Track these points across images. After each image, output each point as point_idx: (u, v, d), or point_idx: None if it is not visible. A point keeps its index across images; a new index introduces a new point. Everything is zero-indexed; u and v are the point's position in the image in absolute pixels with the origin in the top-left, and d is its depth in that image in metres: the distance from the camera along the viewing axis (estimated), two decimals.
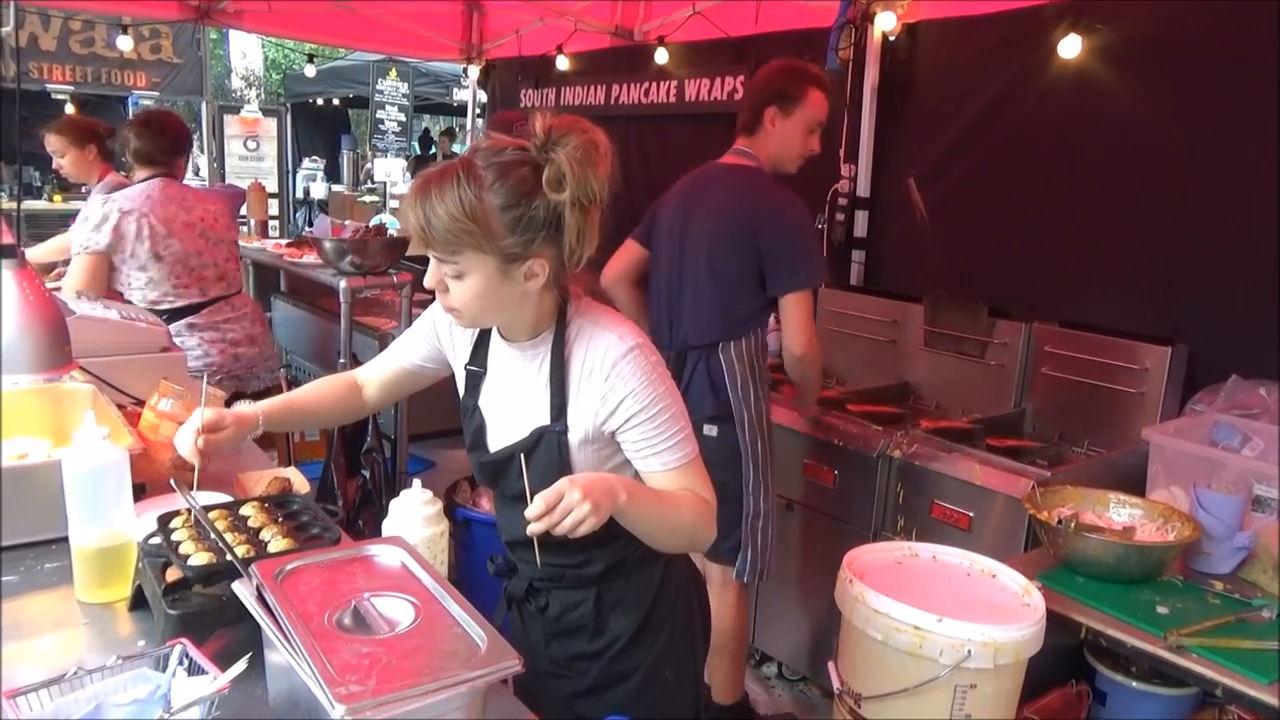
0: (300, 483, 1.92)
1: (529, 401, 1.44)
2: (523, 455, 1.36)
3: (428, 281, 1.37)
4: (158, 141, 3.10)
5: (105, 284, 3.01)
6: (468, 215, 1.26)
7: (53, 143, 3.93)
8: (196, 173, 10.63)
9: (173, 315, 3.02)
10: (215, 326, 3.12)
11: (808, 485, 2.96)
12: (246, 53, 16.24)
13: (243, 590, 1.09)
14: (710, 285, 2.55)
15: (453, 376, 1.63)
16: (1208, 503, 2.00)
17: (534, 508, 1.21)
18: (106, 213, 2.93)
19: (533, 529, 1.21)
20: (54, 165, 4.07)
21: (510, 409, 1.48)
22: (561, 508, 1.20)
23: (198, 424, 1.49)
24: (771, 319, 2.63)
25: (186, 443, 1.49)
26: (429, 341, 1.63)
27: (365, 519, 3.35)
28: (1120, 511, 2.11)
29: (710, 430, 2.53)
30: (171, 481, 1.43)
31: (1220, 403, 2.46)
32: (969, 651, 1.58)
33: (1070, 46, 2.92)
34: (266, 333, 3.38)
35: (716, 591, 2.67)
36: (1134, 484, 2.26)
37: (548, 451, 1.41)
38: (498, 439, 1.50)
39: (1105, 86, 2.94)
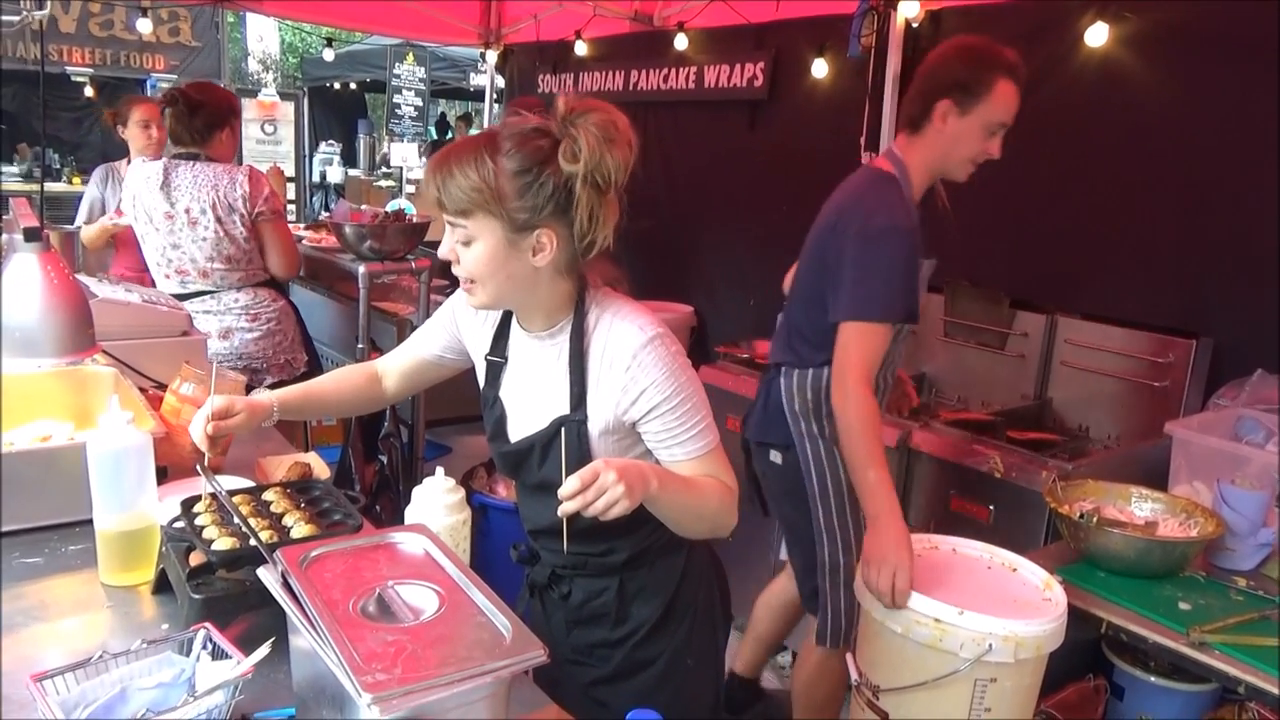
0: (320, 468, 1.94)
1: (549, 391, 1.44)
2: (562, 433, 1.37)
3: (442, 251, 1.39)
4: (187, 122, 3.00)
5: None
6: (480, 177, 1.29)
7: (153, 112, 3.88)
8: None
9: None
10: (191, 317, 2.99)
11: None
12: (263, 36, 16.24)
13: (268, 576, 1.09)
14: (793, 302, 2.27)
15: (473, 366, 1.63)
16: (1231, 498, 1.98)
17: (568, 485, 1.20)
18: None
19: (565, 508, 1.21)
20: (147, 133, 3.89)
21: (530, 399, 1.48)
22: (596, 487, 1.20)
23: (208, 411, 1.50)
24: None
25: (197, 430, 1.50)
26: (449, 331, 1.64)
27: (383, 504, 3.37)
28: (1142, 506, 2.10)
29: (775, 457, 2.30)
30: (197, 467, 1.44)
31: (1245, 397, 2.44)
32: (990, 645, 1.57)
33: (1097, 35, 2.88)
34: (254, 331, 3.10)
35: (804, 649, 2.46)
36: (1156, 478, 2.24)
37: (569, 441, 1.41)
38: (518, 429, 1.50)
39: (1132, 76, 2.90)
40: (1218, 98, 2.73)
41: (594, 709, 1.52)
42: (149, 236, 3.01)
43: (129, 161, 4.05)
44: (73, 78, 8.82)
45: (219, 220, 2.98)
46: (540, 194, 1.30)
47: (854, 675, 1.80)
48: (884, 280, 1.99)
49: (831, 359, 2.03)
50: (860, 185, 2.15)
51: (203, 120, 3.02)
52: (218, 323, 3.06)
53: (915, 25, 3.53)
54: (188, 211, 2.96)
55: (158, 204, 2.95)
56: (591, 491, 1.20)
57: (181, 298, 2.98)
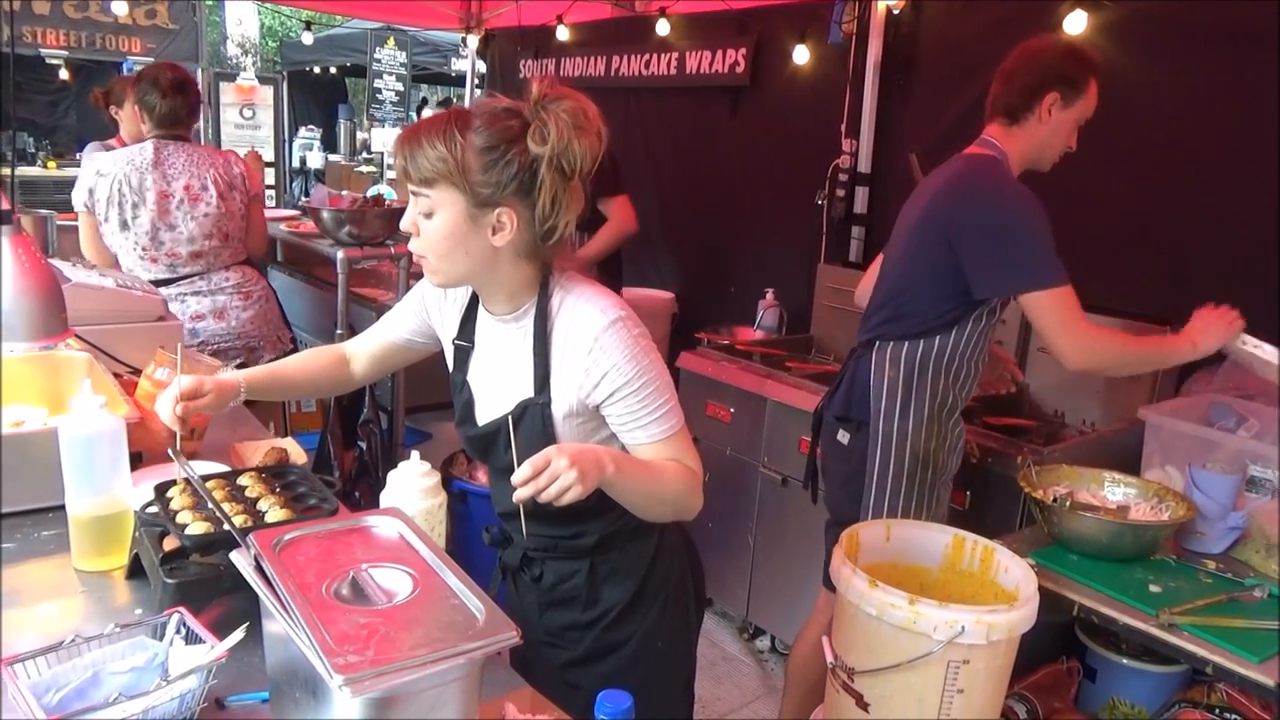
0: (297, 453, 1.93)
1: (515, 375, 1.45)
2: (511, 422, 1.37)
3: (403, 224, 1.40)
4: (182, 103, 3.00)
5: (99, 242, 2.98)
6: (447, 149, 1.30)
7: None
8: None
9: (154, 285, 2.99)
10: (180, 299, 3.02)
11: (805, 461, 2.97)
12: (243, 19, 16.04)
13: (241, 560, 1.09)
14: (893, 278, 2.29)
15: (443, 350, 1.64)
16: (1202, 482, 2.00)
17: (520, 473, 1.22)
18: (87, 173, 2.95)
19: (519, 495, 1.22)
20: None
21: (497, 383, 1.49)
22: (548, 474, 1.21)
23: (176, 392, 1.51)
24: (977, 343, 2.21)
25: (166, 410, 1.51)
26: (418, 315, 1.64)
27: (362, 491, 3.36)
28: (1115, 490, 2.12)
29: (843, 436, 2.30)
30: (170, 451, 1.43)
31: (1217, 383, 2.47)
32: (962, 628, 1.58)
33: (1075, 23, 2.90)
34: (249, 310, 3.12)
35: (805, 628, 2.49)
36: (1129, 463, 2.27)
37: (532, 424, 1.42)
38: (485, 413, 1.51)
39: (1110, 64, 2.90)
40: (1196, 87, 2.75)
41: (567, 691, 1.53)
42: (137, 219, 2.94)
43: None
44: (47, 60, 8.68)
45: (221, 196, 3.01)
46: (505, 171, 1.31)
47: (830, 658, 1.81)
48: (1046, 247, 2.06)
49: (936, 330, 2.16)
50: (975, 166, 2.19)
51: (194, 100, 3.05)
52: (210, 303, 3.05)
53: (896, 12, 3.54)
54: (187, 189, 2.96)
55: (151, 184, 2.93)
56: (544, 478, 1.21)
57: (166, 282, 2.97)
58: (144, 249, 2.97)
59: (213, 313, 3.05)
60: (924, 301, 2.17)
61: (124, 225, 2.95)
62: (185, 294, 3.01)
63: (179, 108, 3.00)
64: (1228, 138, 2.70)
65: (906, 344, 2.20)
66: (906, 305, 2.21)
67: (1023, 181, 2.16)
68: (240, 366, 2.12)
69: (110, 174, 2.93)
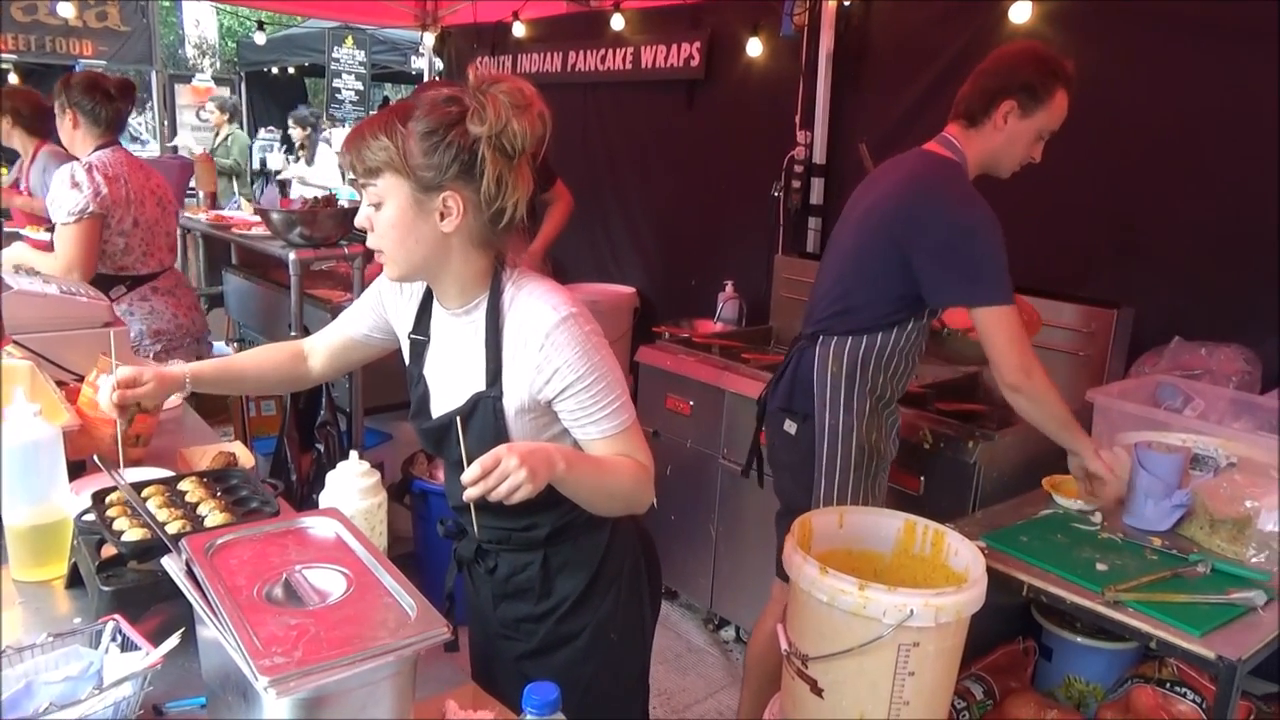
0: (245, 457, 1.91)
1: (468, 368, 1.45)
2: (459, 420, 1.37)
3: (358, 220, 1.41)
4: (123, 107, 3.03)
5: (98, 251, 2.88)
6: (389, 138, 1.32)
7: None
8: (143, 144, 10.39)
9: (136, 281, 3.03)
10: (172, 292, 3.12)
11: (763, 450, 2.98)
12: (200, 20, 15.83)
13: (172, 565, 1.08)
14: (839, 272, 2.29)
15: (400, 347, 1.63)
16: (1148, 461, 2.04)
17: (470, 472, 1.22)
18: (91, 176, 2.83)
19: (469, 494, 1.22)
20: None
21: (451, 376, 1.49)
22: (498, 473, 1.21)
23: (113, 380, 1.52)
24: (916, 339, 2.25)
25: (104, 399, 1.52)
26: (375, 311, 1.65)
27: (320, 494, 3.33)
28: None
29: (789, 426, 2.31)
30: (96, 458, 1.41)
31: (1163, 364, 2.50)
32: (911, 611, 1.60)
33: (1020, 12, 2.93)
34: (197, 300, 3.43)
35: (762, 618, 2.51)
36: None
37: (484, 418, 1.42)
38: (440, 406, 1.51)
39: (1058, 51, 2.95)
40: (1138, 74, 2.78)
41: (522, 683, 1.52)
42: (141, 218, 2.98)
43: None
44: None
45: (176, 197, 3.23)
46: (445, 154, 1.31)
47: (784, 645, 1.82)
48: (1000, 265, 2.06)
49: (879, 327, 2.17)
50: (932, 170, 2.17)
51: (128, 105, 3.08)
52: (189, 298, 3.21)
53: (847, 4, 3.56)
54: (159, 187, 3.07)
55: (142, 181, 2.99)
56: (493, 477, 1.21)
57: (158, 274, 3.06)
58: (148, 243, 3.02)
59: (194, 305, 3.20)
60: (871, 300, 2.18)
61: (135, 223, 2.97)
62: (173, 287, 3.11)
63: (124, 110, 3.04)
64: (1179, 125, 2.73)
65: (850, 340, 2.21)
66: (853, 301, 2.21)
67: (979, 181, 2.17)
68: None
69: (118, 175, 2.92)
